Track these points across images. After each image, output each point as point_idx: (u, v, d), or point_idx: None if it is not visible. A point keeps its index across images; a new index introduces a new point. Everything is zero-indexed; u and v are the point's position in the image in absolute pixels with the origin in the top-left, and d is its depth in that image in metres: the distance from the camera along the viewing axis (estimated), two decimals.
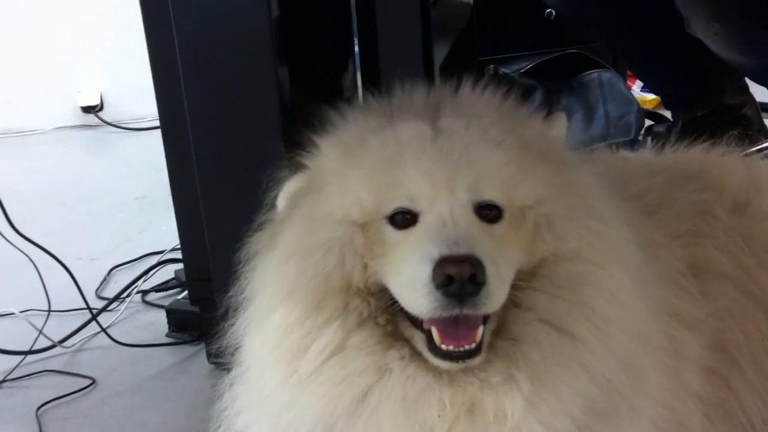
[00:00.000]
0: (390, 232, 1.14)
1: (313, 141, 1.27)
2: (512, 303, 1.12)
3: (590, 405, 1.11)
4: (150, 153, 4.17)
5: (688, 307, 1.31)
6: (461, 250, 1.05)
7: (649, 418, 1.20)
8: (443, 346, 1.10)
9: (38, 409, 2.02)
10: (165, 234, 2.99)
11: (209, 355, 2.13)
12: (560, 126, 1.28)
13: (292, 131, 1.42)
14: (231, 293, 1.32)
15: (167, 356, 2.25)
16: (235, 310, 1.31)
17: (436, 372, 1.12)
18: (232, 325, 1.31)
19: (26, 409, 2.03)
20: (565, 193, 1.17)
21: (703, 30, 2.31)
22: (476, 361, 1.11)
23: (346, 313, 1.14)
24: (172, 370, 2.19)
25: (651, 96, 3.83)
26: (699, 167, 1.57)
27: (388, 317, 1.14)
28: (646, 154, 1.71)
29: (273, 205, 1.30)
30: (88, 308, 2.36)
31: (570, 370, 1.11)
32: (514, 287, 1.11)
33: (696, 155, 1.63)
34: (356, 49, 2.44)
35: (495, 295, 1.06)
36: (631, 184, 1.45)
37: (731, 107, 2.78)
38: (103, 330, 2.31)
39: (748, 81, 2.84)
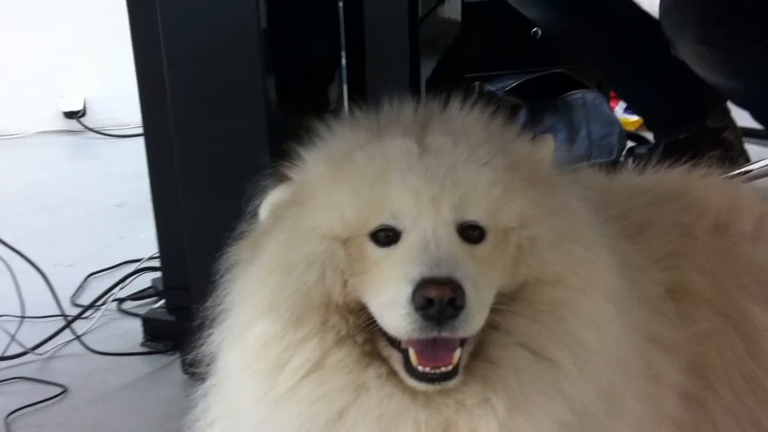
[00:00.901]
0: (372, 249, 1.13)
1: (299, 153, 1.26)
2: (491, 326, 1.11)
3: (565, 431, 1.10)
4: (132, 160, 4.14)
5: (666, 331, 1.31)
6: (443, 272, 1.04)
7: None
8: (420, 368, 1.09)
9: (8, 416, 1.99)
10: (144, 242, 2.96)
11: (184, 365, 2.10)
12: (548, 148, 1.27)
13: (278, 141, 1.41)
14: (209, 303, 1.31)
15: (141, 365, 2.22)
16: (213, 320, 1.29)
17: (413, 392, 1.11)
18: (209, 335, 1.30)
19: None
20: (551, 216, 1.16)
21: (689, 53, 2.33)
22: (452, 383, 1.10)
23: (324, 330, 1.13)
24: (146, 379, 2.16)
25: (634, 118, 3.86)
26: (680, 188, 1.57)
27: (366, 336, 1.13)
28: (629, 174, 1.71)
29: (255, 215, 1.29)
30: (63, 315, 2.33)
31: (547, 396, 1.10)
32: (494, 310, 1.11)
33: (677, 176, 1.64)
34: (343, 62, 2.44)
35: (474, 319, 1.06)
36: (614, 204, 1.45)
37: (713, 131, 2.80)
38: (78, 337, 2.28)
39: (730, 105, 2.87)
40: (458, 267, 1.06)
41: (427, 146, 1.16)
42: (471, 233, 1.13)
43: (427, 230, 1.10)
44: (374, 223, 1.13)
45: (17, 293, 2.31)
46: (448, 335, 1.05)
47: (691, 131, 2.81)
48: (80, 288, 2.70)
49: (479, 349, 1.13)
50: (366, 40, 2.09)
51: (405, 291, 1.04)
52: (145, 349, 2.29)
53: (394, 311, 1.06)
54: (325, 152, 1.22)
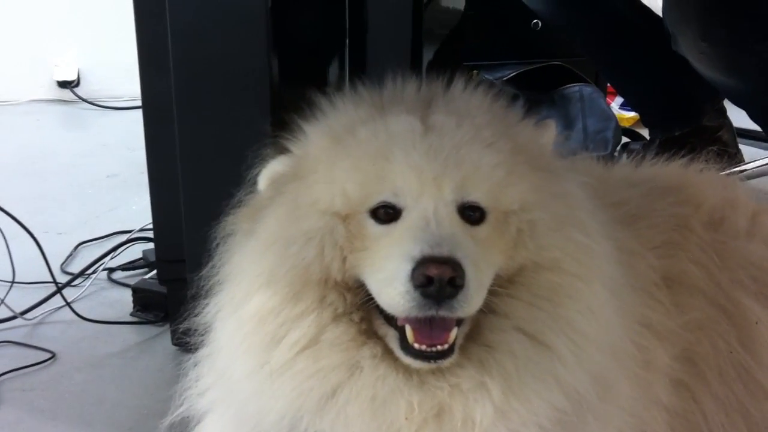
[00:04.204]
0: (372, 226, 1.13)
1: (301, 126, 1.25)
2: (488, 309, 1.12)
3: (559, 416, 1.11)
4: (124, 132, 4.15)
5: (660, 318, 1.32)
6: (444, 251, 1.04)
7: (616, 427, 1.21)
8: (416, 345, 1.09)
9: None
10: (135, 213, 2.97)
11: (173, 336, 2.10)
12: (550, 133, 1.27)
13: (280, 114, 1.41)
14: (204, 274, 1.30)
15: (130, 335, 2.22)
16: (208, 291, 1.29)
17: (407, 373, 1.11)
18: (204, 306, 1.30)
19: None
20: (552, 201, 1.16)
21: (689, 48, 2.34)
22: (447, 362, 1.10)
23: (321, 306, 1.13)
24: (134, 348, 2.16)
25: (630, 114, 3.87)
26: (677, 182, 1.58)
27: (363, 314, 1.14)
28: (626, 166, 1.72)
29: (254, 183, 1.28)
30: (54, 281, 2.33)
31: (543, 381, 1.11)
32: (492, 293, 1.11)
33: (675, 170, 1.65)
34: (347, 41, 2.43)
35: (473, 299, 1.06)
36: (612, 193, 1.46)
37: (709, 129, 2.82)
38: (68, 304, 2.28)
39: (726, 105, 2.89)
40: (459, 247, 1.06)
41: (430, 125, 1.16)
42: (471, 214, 1.13)
43: (428, 209, 1.10)
44: (375, 200, 1.13)
45: (8, 258, 2.30)
46: (446, 314, 1.06)
47: (686, 129, 2.82)
48: (70, 256, 2.69)
49: (476, 333, 1.13)
50: (369, 23, 2.09)
51: (405, 268, 1.04)
52: (134, 319, 2.29)
53: (392, 288, 1.06)
54: (327, 126, 1.22)
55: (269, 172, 1.24)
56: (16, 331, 2.24)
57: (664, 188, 1.55)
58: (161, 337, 2.19)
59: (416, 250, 1.05)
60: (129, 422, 1.84)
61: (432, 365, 1.10)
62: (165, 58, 1.81)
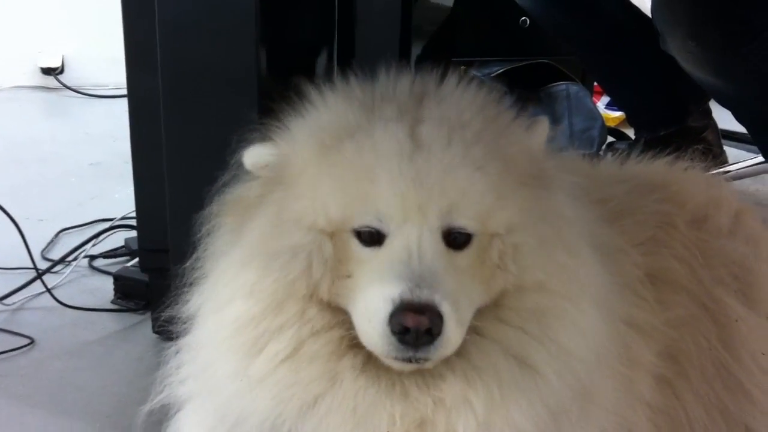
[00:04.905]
0: (356, 245, 1.13)
1: (288, 119, 1.23)
2: (476, 331, 1.12)
3: (541, 428, 1.12)
4: (109, 121, 4.12)
5: (644, 315, 1.32)
6: (422, 296, 1.04)
7: (598, 425, 1.22)
8: None
9: None
10: (117, 202, 2.94)
11: (154, 325, 2.09)
12: (542, 131, 1.25)
13: (268, 102, 1.40)
14: (188, 265, 1.29)
15: (111, 323, 2.21)
16: (191, 282, 1.28)
17: (389, 384, 1.11)
18: (187, 296, 1.29)
19: None
20: (539, 222, 1.16)
21: (678, 47, 2.35)
22: (429, 364, 1.10)
23: (302, 321, 1.13)
24: (114, 336, 2.15)
25: (615, 113, 3.88)
26: (662, 180, 1.59)
27: (343, 331, 1.13)
28: (613, 163, 1.73)
29: (239, 166, 1.26)
30: (35, 267, 2.31)
31: (527, 400, 1.11)
32: (478, 316, 1.11)
33: (660, 168, 1.66)
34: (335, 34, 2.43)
35: (450, 342, 1.07)
36: (598, 190, 1.46)
37: (694, 130, 2.84)
38: (48, 290, 2.26)
39: (712, 106, 2.90)
40: (440, 285, 1.06)
41: (420, 141, 1.13)
42: (457, 237, 1.12)
43: (411, 238, 1.09)
44: (358, 222, 1.12)
45: None
46: (423, 356, 1.07)
47: (672, 129, 2.84)
48: (51, 243, 2.67)
49: (462, 349, 1.11)
50: (357, 17, 2.08)
51: (384, 310, 1.05)
52: (115, 307, 2.27)
53: (372, 328, 1.07)
54: (315, 129, 1.19)
55: (255, 154, 1.22)
56: None
57: (649, 185, 1.55)
58: (142, 325, 2.18)
59: (395, 293, 1.05)
60: (108, 409, 1.83)
61: (413, 366, 1.10)
62: (152, 49, 1.80)
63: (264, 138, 1.25)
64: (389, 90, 1.22)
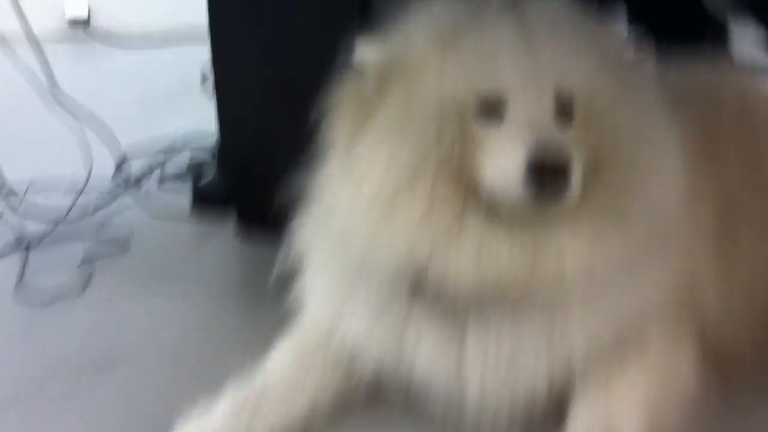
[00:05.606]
0: (479, 127, 1.28)
1: (399, 27, 1.40)
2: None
3: (634, 264, 1.35)
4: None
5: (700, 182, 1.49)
6: (556, 138, 1.24)
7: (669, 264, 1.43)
8: None
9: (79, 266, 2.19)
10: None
11: (238, 226, 2.30)
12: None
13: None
14: (315, 141, 1.43)
15: (194, 227, 2.40)
16: (319, 156, 1.44)
17: (507, 234, 1.29)
18: (316, 168, 1.45)
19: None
20: (632, 101, 1.36)
21: None
22: (558, 208, 1.28)
23: (434, 186, 1.30)
24: (197, 241, 2.34)
25: None
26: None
27: (469, 196, 1.31)
28: None
29: (350, 66, 1.40)
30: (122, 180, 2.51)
31: (624, 243, 1.32)
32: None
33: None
34: None
35: (574, 189, 1.25)
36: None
37: None
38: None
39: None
40: (563, 143, 1.25)
41: (530, 27, 1.33)
42: (566, 106, 1.31)
43: (532, 109, 1.28)
44: (482, 96, 1.30)
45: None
46: (556, 197, 1.25)
47: None
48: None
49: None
50: None
51: (521, 156, 1.23)
52: (196, 213, 2.44)
53: (508, 175, 1.25)
54: (432, 27, 1.36)
55: (370, 51, 1.38)
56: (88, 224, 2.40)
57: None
58: (224, 230, 2.35)
59: (531, 138, 1.24)
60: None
61: (544, 209, 1.28)
62: None
63: (373, 39, 1.41)
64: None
